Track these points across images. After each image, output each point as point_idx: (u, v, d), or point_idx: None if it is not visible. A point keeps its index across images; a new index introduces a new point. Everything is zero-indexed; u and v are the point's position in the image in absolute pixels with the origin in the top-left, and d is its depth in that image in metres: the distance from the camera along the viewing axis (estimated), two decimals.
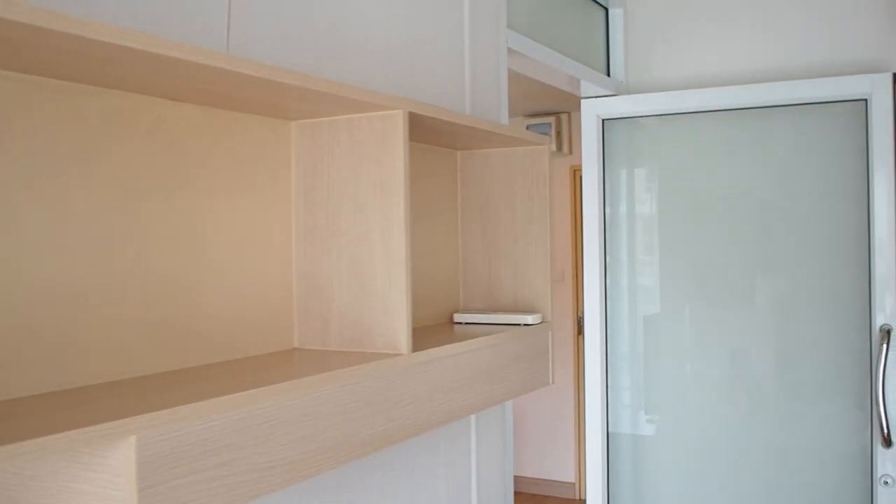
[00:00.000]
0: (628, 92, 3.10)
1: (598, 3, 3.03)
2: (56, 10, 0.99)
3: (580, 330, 6.07)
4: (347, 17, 1.66)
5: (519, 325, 1.79)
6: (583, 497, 6.20)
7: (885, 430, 2.59)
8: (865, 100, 2.73)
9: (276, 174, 1.43)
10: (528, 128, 5.49)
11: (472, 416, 2.08)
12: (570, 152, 5.92)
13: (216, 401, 1.01)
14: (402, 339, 1.36)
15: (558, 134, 5.80)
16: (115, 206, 1.15)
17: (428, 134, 1.69)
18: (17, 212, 1.03)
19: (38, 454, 0.85)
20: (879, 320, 2.67)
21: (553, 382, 1.88)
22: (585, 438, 3.08)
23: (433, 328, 1.80)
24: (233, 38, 1.38)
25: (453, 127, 1.58)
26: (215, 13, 1.35)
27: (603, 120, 3.06)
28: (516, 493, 5.82)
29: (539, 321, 1.82)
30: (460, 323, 1.86)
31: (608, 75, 3.09)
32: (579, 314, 6.08)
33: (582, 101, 3.05)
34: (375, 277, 1.38)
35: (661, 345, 3.06)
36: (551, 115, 5.83)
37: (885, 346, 2.61)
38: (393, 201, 1.36)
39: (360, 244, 1.40)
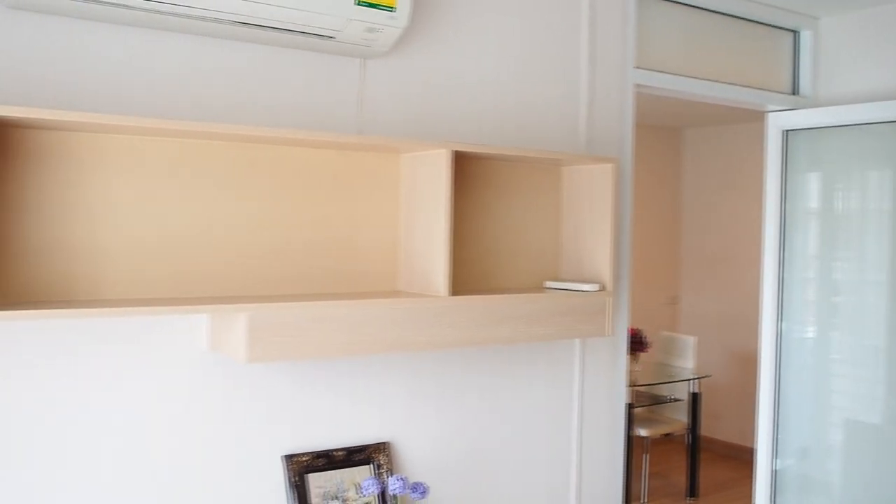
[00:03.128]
0: (812, 106, 3.52)
1: (786, 29, 3.51)
2: (232, 125, 2.07)
3: None
4: (463, 78, 2.58)
5: (580, 291, 2.57)
6: None
7: None
8: None
9: (390, 186, 2.41)
10: None
11: (577, 348, 2.87)
12: None
13: (298, 303, 2.03)
14: (442, 287, 2.26)
15: None
16: (273, 207, 2.22)
17: (534, 159, 2.50)
18: (226, 214, 2.14)
19: (206, 313, 1.95)
20: None
21: (610, 334, 2.61)
22: (757, 404, 3.60)
23: (524, 289, 2.64)
24: (365, 108, 2.39)
25: (501, 158, 2.43)
26: (350, 94, 2.37)
27: (786, 131, 3.52)
28: None
29: (596, 289, 2.57)
30: (548, 287, 2.67)
31: (795, 92, 3.54)
32: None
33: (767, 114, 3.54)
34: (433, 250, 2.30)
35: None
36: None
37: None
38: (441, 204, 2.26)
39: (427, 230, 2.32)
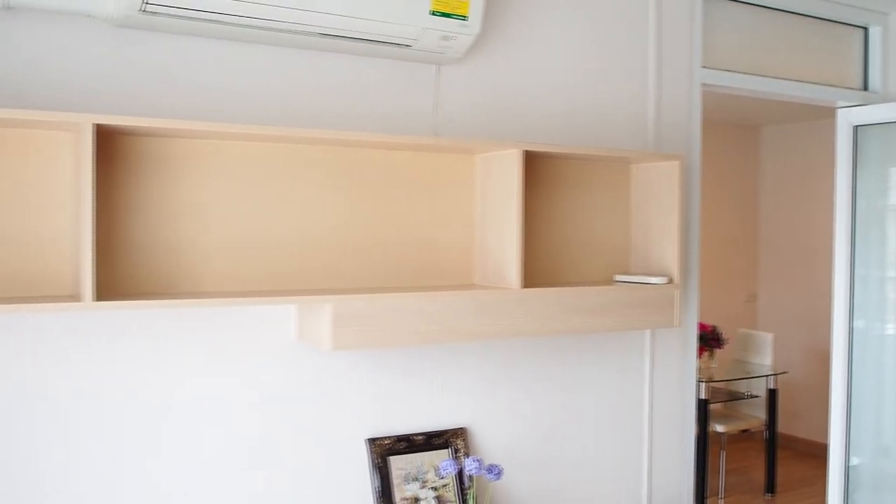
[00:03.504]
0: (882, 101, 3.53)
1: (855, 25, 3.53)
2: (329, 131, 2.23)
3: None
4: (534, 81, 2.70)
5: (648, 283, 2.66)
6: None
7: None
8: None
9: (465, 185, 2.55)
10: None
11: (647, 340, 2.96)
12: None
13: (379, 295, 2.18)
14: (515, 280, 2.38)
15: None
16: (356, 206, 2.38)
17: (602, 157, 2.61)
18: (337, 211, 2.31)
19: (293, 304, 2.12)
20: None
21: (678, 325, 2.69)
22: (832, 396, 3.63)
23: (594, 282, 2.74)
24: (441, 111, 2.54)
25: (570, 157, 2.54)
26: (426, 98, 2.52)
27: (856, 127, 3.54)
28: None
29: (663, 282, 2.65)
30: (618, 280, 2.77)
31: (866, 88, 3.56)
32: None
33: (837, 110, 3.57)
34: (506, 245, 2.42)
35: None
36: None
37: None
38: (513, 201, 2.38)
39: (500, 226, 2.45)
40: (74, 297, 1.96)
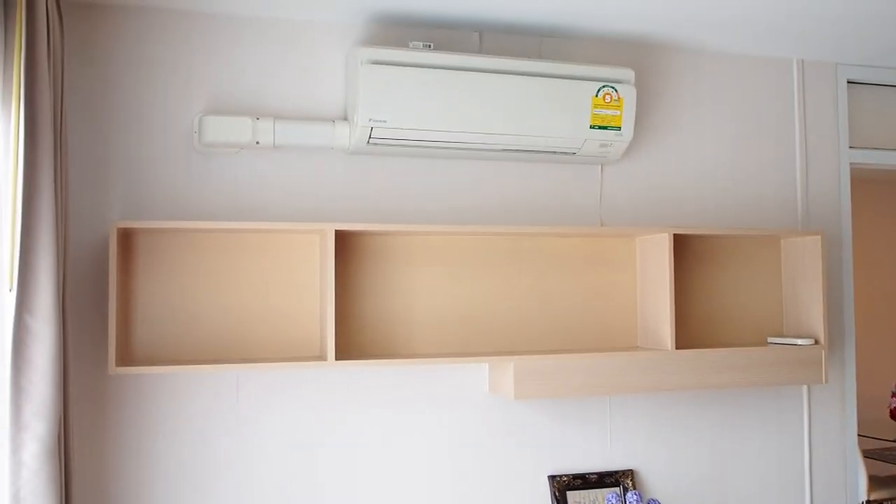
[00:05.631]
0: None
1: None
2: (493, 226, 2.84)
3: None
4: (686, 170, 3.18)
5: (794, 345, 3.02)
6: None
7: None
8: None
9: (628, 263, 3.04)
10: None
11: (804, 392, 3.27)
12: None
13: (551, 356, 2.72)
14: (668, 342, 2.84)
15: None
16: (537, 282, 2.94)
17: (743, 236, 3.03)
18: (511, 289, 2.89)
19: (485, 363, 2.71)
20: None
21: (825, 382, 3.01)
22: None
23: (747, 343, 3.13)
24: (604, 203, 3.07)
25: (717, 237, 2.98)
26: (592, 193, 3.06)
27: None
28: None
29: (809, 343, 3.00)
30: (770, 342, 3.14)
31: None
32: None
33: None
34: (659, 312, 2.89)
35: None
36: None
37: None
38: (664, 276, 2.85)
39: (656, 296, 2.92)
40: (321, 357, 2.64)
